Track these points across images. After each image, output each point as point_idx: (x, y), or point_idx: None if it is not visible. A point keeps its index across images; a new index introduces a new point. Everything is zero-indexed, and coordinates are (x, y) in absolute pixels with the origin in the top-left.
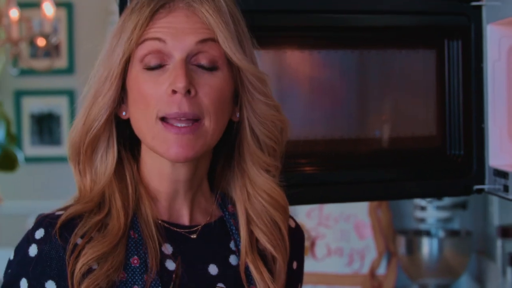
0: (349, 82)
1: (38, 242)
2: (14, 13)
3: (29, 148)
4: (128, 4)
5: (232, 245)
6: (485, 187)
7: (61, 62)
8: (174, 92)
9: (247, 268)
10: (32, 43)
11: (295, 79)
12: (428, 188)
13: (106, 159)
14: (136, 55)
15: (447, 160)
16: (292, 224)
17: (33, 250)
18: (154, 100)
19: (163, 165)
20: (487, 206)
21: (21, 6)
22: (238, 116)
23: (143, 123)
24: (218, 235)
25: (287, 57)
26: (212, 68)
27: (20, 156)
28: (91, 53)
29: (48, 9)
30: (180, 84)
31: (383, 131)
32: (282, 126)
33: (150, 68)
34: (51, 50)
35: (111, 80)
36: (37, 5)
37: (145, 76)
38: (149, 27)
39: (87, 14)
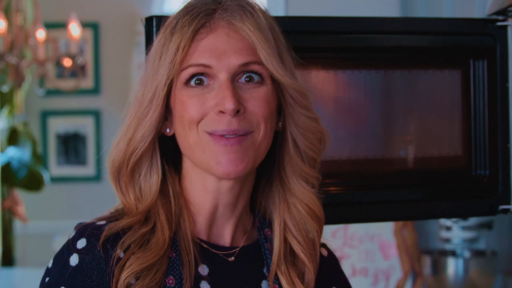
0: (374, 102)
1: (79, 251)
2: (40, 34)
3: (55, 168)
4: (154, 23)
5: (265, 270)
6: (511, 207)
7: (87, 82)
8: (221, 112)
9: None
10: (58, 64)
11: (320, 99)
12: (454, 208)
13: (150, 177)
14: (180, 78)
15: (473, 180)
16: (325, 253)
17: (74, 260)
18: (201, 116)
19: (208, 180)
20: None
21: (48, 26)
22: (280, 125)
23: (191, 139)
24: (253, 259)
25: (312, 77)
26: (257, 82)
27: (46, 176)
28: (117, 74)
29: (75, 29)
30: (229, 106)
31: (408, 151)
32: (321, 137)
33: (195, 86)
34: (77, 71)
35: (157, 101)
36: (63, 25)
37: (189, 93)
38: (192, 49)
39: (113, 35)
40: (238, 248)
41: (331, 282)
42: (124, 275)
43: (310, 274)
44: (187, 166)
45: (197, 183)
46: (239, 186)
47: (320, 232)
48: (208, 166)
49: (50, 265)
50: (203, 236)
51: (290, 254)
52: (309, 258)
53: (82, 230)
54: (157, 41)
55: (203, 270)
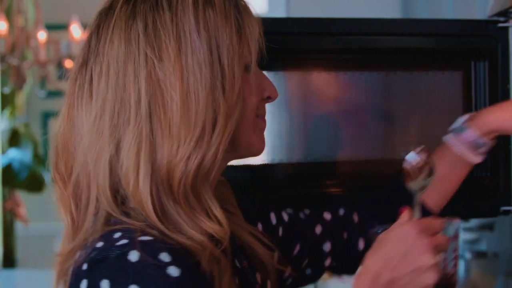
0: (375, 104)
1: (173, 263)
2: (42, 35)
3: None
4: None
5: None
6: None
7: None
8: (269, 98)
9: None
10: (59, 65)
11: (320, 101)
12: (455, 209)
13: None
14: (247, 60)
15: (474, 182)
16: None
17: (174, 271)
18: (255, 101)
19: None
20: None
21: (49, 28)
22: None
23: (244, 121)
24: None
25: (313, 78)
26: None
27: (47, 178)
28: None
29: (76, 31)
30: (276, 95)
31: (409, 152)
32: None
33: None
34: None
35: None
36: (64, 27)
37: (244, 76)
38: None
39: None
40: None
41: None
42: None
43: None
44: None
45: None
46: None
47: None
48: (254, 143)
49: None
50: None
51: None
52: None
53: (151, 246)
54: (215, 12)
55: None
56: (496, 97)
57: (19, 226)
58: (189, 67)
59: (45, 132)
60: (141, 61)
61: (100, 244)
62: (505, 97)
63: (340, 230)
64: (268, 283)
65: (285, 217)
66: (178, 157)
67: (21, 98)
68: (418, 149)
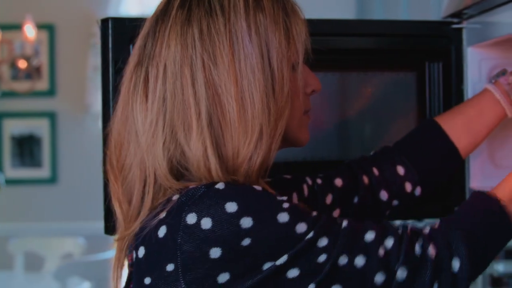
0: (330, 105)
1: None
2: None
3: (10, 170)
4: (110, 25)
5: None
6: None
7: (42, 84)
8: (313, 92)
9: None
10: (13, 65)
11: None
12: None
13: None
14: (294, 60)
15: None
16: None
17: (258, 188)
18: (302, 99)
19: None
20: None
21: (2, 28)
22: None
23: (293, 120)
24: None
25: None
26: None
27: (0, 178)
28: (73, 75)
29: (30, 31)
30: (320, 88)
31: (364, 153)
32: None
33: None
34: (32, 72)
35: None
36: (18, 27)
37: (291, 77)
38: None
39: (69, 37)
40: None
41: None
42: None
43: None
44: None
45: None
46: None
47: None
48: (299, 138)
49: (252, 223)
50: None
51: None
52: None
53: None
54: (266, 13)
55: None
56: (450, 98)
57: None
58: (242, 72)
59: None
60: (198, 66)
61: (176, 197)
62: (459, 98)
63: (351, 195)
64: None
65: (305, 191)
66: (240, 158)
67: None
68: None
